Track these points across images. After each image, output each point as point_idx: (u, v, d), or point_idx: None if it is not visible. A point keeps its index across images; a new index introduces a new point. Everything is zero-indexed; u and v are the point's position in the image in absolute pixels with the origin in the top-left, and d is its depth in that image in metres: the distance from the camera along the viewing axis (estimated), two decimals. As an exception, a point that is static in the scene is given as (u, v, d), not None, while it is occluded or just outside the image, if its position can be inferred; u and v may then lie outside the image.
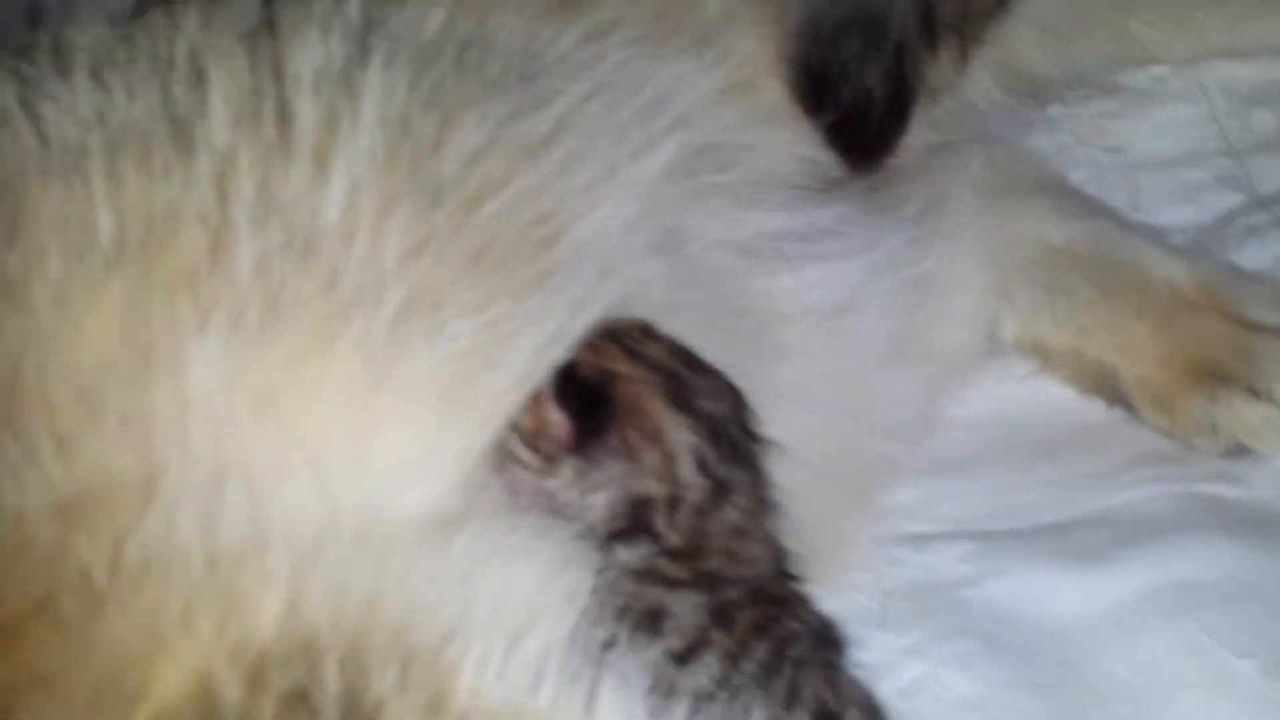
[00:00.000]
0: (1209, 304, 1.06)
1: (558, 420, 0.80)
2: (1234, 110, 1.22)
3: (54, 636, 0.68)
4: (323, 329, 0.75)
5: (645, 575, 0.77)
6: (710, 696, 0.73)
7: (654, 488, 0.79)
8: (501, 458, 0.80)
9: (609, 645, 0.73)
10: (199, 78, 0.81)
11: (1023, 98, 1.18)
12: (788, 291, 0.97)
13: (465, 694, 0.69)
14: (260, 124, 0.79)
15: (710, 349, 0.84)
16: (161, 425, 0.72)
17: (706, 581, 0.78)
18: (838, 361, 0.98)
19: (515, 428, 0.80)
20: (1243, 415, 1.03)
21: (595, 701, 0.70)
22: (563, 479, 0.80)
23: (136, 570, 0.69)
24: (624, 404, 0.80)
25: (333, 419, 0.74)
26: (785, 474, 0.83)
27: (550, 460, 0.80)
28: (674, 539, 0.79)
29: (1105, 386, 1.07)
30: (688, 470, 0.80)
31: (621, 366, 0.81)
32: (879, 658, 0.86)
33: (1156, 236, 1.12)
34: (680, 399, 0.81)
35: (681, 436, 0.80)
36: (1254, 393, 1.03)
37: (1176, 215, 1.17)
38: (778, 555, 0.81)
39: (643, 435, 0.80)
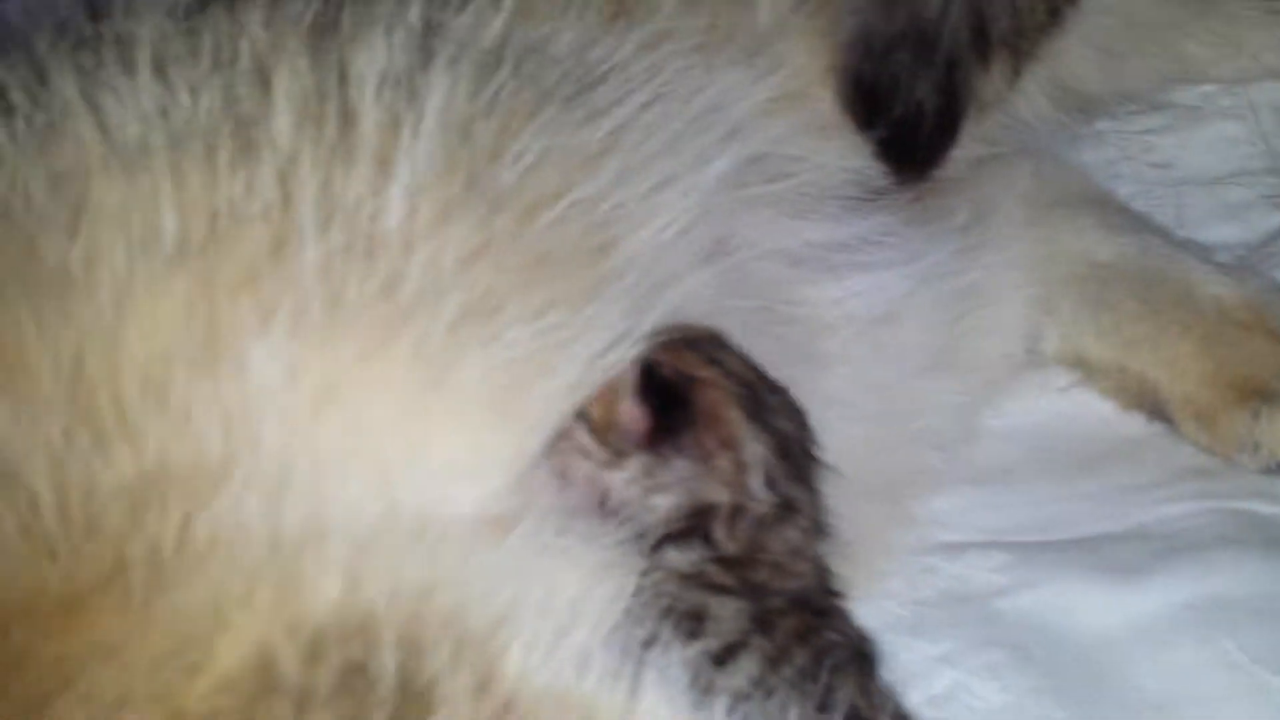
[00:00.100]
0: (1255, 322, 1.06)
1: (635, 415, 0.80)
2: (1282, 129, 1.22)
3: (120, 609, 0.70)
4: (383, 331, 0.75)
5: (693, 579, 0.77)
6: (747, 696, 0.74)
7: (721, 495, 0.79)
8: (560, 446, 0.80)
9: (649, 643, 0.73)
10: (262, 77, 0.81)
11: (1072, 113, 1.17)
12: (832, 300, 0.97)
13: (513, 676, 0.69)
14: (323, 125, 0.79)
15: (756, 356, 0.84)
16: (230, 418, 0.73)
17: (752, 590, 0.78)
18: (879, 370, 0.98)
19: (583, 417, 0.80)
20: (1287, 433, 1.02)
21: (639, 691, 0.71)
22: (627, 474, 0.79)
23: (203, 548, 0.71)
24: (702, 408, 0.80)
25: (391, 419, 0.75)
26: (826, 481, 0.84)
27: (617, 454, 0.80)
28: (730, 548, 0.79)
29: (1146, 401, 1.07)
30: (756, 483, 0.80)
31: (702, 371, 0.81)
32: (911, 665, 0.87)
33: (1203, 253, 1.12)
34: (755, 411, 0.81)
35: (755, 449, 0.80)
36: (1297, 411, 1.03)
37: (1221, 232, 1.17)
38: (823, 573, 0.81)
39: (718, 442, 0.80)
